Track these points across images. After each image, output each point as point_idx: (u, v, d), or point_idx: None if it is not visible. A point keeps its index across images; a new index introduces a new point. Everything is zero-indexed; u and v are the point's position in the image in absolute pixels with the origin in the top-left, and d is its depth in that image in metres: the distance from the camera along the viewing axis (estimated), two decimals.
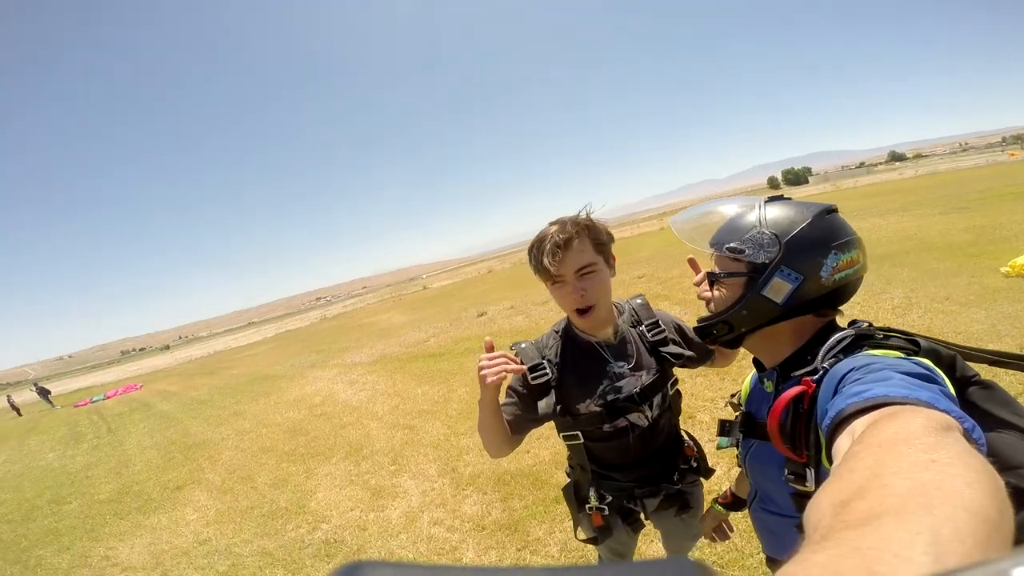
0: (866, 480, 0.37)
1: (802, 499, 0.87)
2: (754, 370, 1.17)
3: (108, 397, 20.17)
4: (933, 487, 0.33)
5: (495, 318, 12.74)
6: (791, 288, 0.90)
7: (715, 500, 1.58)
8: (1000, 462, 0.64)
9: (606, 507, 1.56)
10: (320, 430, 6.80)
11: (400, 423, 6.13)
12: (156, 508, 5.34)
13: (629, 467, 1.53)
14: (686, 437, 1.69)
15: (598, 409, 1.43)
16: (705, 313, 1.07)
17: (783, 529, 1.00)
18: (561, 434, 1.53)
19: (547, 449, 4.15)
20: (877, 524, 0.30)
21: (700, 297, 1.08)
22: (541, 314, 11.28)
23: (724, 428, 1.19)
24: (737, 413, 1.20)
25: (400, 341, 13.52)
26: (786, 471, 0.88)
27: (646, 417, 1.46)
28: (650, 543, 2.55)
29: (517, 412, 1.48)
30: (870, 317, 0.99)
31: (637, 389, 1.44)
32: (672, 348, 1.50)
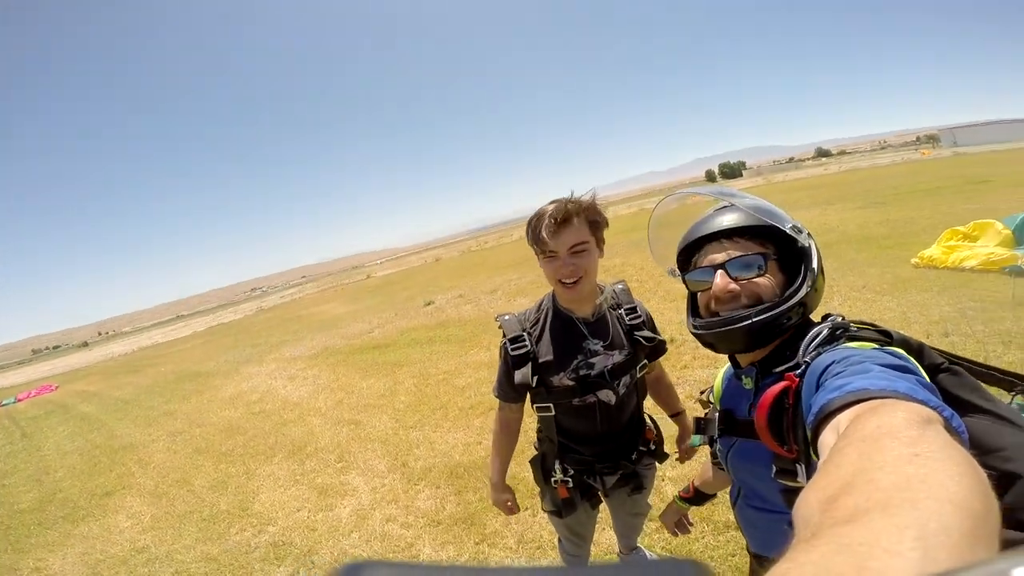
0: (852, 475, 0.37)
1: (792, 494, 0.87)
2: (723, 368, 1.18)
3: (19, 400, 18.62)
4: (917, 481, 0.34)
5: (443, 307, 12.59)
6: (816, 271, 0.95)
7: (677, 495, 1.60)
8: (979, 447, 0.66)
9: (570, 479, 1.66)
10: (259, 428, 6.58)
11: (345, 418, 6.02)
12: (85, 516, 5.01)
13: (593, 442, 1.63)
14: (648, 421, 1.79)
15: (571, 383, 1.53)
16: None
17: (772, 525, 1.01)
18: (535, 405, 1.63)
19: None
20: (865, 519, 0.30)
21: (728, 291, 0.95)
22: (490, 302, 11.27)
23: (699, 426, 1.17)
24: (707, 410, 1.22)
25: (342, 333, 13.20)
26: (774, 468, 0.88)
27: (614, 394, 1.56)
28: (602, 531, 2.62)
29: (506, 382, 1.60)
30: None
31: (608, 367, 1.55)
32: (646, 332, 1.61)
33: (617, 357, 1.57)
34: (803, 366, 0.80)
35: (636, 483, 1.72)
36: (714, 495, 1.55)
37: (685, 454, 1.93)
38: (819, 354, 0.79)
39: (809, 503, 0.37)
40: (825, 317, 0.91)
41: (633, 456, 1.69)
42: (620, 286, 1.70)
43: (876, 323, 0.86)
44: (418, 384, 6.55)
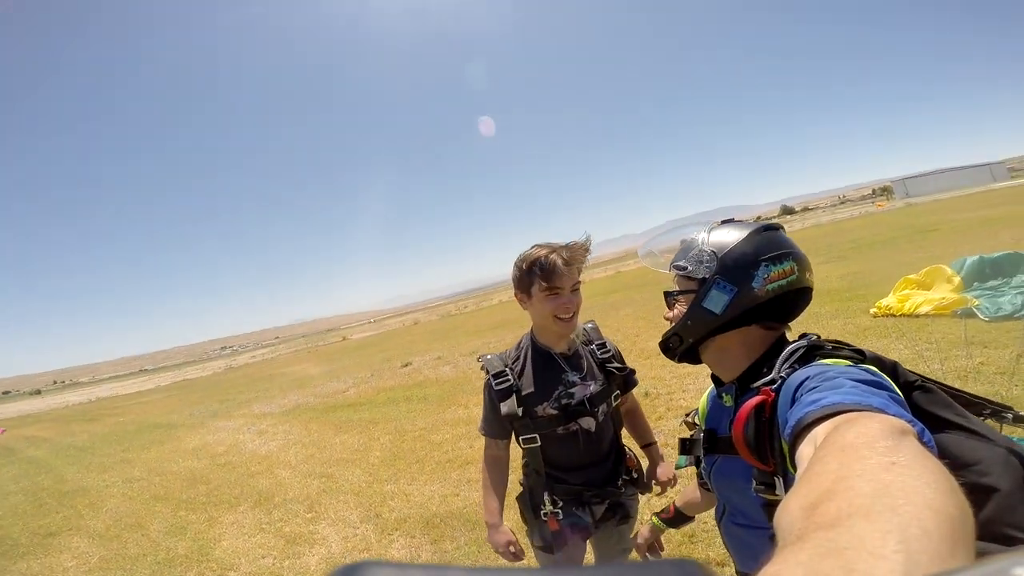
0: (832, 483, 0.38)
1: (773, 508, 0.85)
2: (708, 390, 1.23)
3: None
4: (896, 488, 0.35)
5: (420, 368, 12.37)
6: (727, 299, 0.98)
7: (656, 514, 1.60)
8: (953, 462, 0.66)
9: (559, 511, 1.69)
10: (224, 479, 6.31)
11: (316, 471, 5.81)
12: (24, 554, 4.71)
13: (579, 470, 1.70)
14: (629, 451, 1.86)
15: (554, 412, 1.64)
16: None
17: (757, 541, 1.02)
18: (520, 438, 1.70)
19: (477, 492, 4.04)
20: (849, 524, 0.31)
21: (664, 318, 1.15)
22: (468, 364, 11.08)
23: (684, 446, 1.20)
24: (692, 432, 1.24)
25: (315, 391, 12.87)
26: (754, 482, 0.89)
27: (595, 421, 1.67)
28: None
29: (492, 417, 1.71)
30: None
31: (587, 395, 1.66)
32: (616, 364, 1.76)
33: (593, 387, 1.68)
34: (779, 381, 0.84)
35: (623, 513, 1.76)
36: (692, 518, 1.56)
37: (664, 484, 1.88)
38: (794, 370, 0.83)
39: (791, 510, 0.38)
40: (802, 336, 0.96)
41: (618, 483, 1.74)
42: (590, 325, 1.85)
43: (849, 343, 0.90)
44: (393, 440, 6.38)
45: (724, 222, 1.09)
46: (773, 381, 0.85)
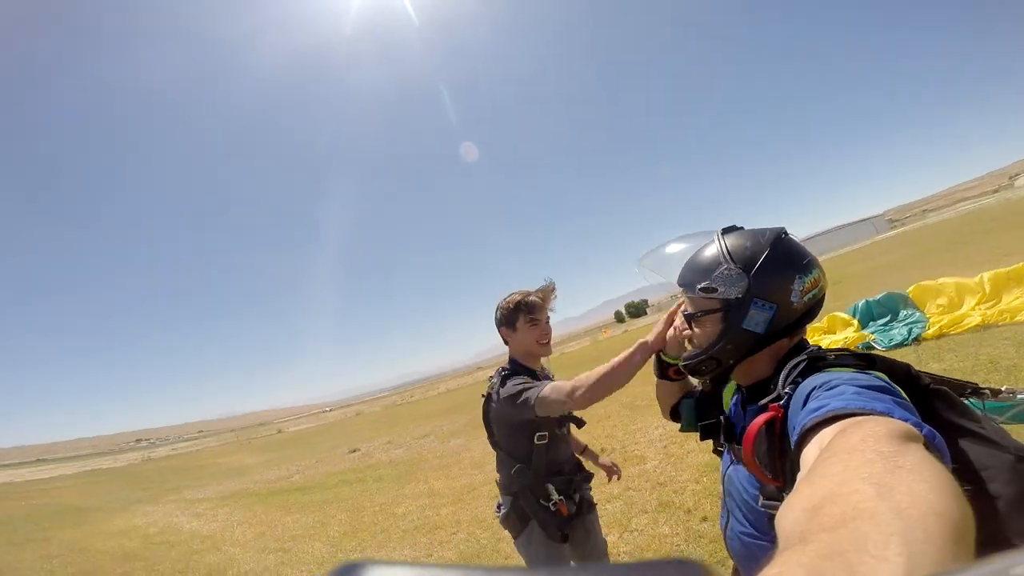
0: (837, 485, 0.38)
1: None
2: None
3: None
4: (900, 491, 0.35)
5: (370, 452, 12.04)
6: (768, 317, 0.94)
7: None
8: (959, 468, 0.66)
9: (563, 498, 1.94)
10: (164, 556, 6.00)
11: (270, 547, 5.63)
12: None
13: (568, 462, 2.07)
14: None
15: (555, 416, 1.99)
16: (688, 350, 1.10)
17: (761, 552, 1.00)
18: (536, 435, 1.95)
19: (451, 551, 4.13)
20: (852, 527, 0.32)
21: (681, 335, 1.14)
22: (423, 446, 10.95)
23: (707, 430, 1.14)
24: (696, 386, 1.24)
25: (256, 479, 12.26)
26: (761, 497, 0.90)
27: (568, 425, 2.09)
28: None
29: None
30: None
31: None
32: None
33: None
34: (784, 397, 0.83)
35: (590, 502, 2.08)
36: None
37: (611, 471, 2.34)
38: (797, 384, 0.82)
39: (794, 511, 0.39)
40: (802, 349, 0.96)
41: (583, 473, 2.10)
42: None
43: (854, 350, 0.89)
44: (352, 517, 6.22)
45: (728, 230, 1.05)
46: (779, 397, 0.85)
